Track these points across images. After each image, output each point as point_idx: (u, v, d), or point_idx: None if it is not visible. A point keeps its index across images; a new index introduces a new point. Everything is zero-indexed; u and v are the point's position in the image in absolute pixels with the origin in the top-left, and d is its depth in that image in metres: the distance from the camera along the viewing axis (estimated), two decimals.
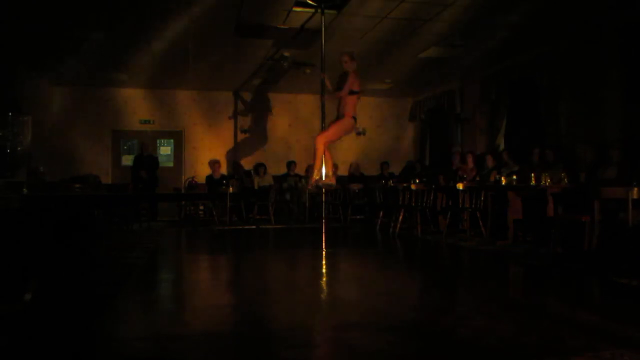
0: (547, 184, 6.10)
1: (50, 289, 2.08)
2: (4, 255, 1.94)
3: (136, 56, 9.00)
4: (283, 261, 6.04)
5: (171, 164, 12.01)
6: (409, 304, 3.74)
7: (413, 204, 8.01)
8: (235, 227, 9.54)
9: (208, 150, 11.85)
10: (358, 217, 10.33)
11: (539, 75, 8.42)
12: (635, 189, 4.72)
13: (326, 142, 6.26)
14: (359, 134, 12.60)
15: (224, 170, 11.59)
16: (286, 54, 8.93)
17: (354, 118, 6.19)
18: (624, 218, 4.88)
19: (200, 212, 10.79)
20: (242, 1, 6.59)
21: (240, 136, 12.11)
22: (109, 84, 11.10)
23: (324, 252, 6.11)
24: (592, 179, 6.27)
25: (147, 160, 10.72)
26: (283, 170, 11.65)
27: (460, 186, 7.45)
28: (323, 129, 6.45)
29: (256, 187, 10.89)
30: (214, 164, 10.99)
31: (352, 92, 6.09)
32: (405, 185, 8.32)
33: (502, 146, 9.42)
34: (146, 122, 11.71)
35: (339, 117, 6.24)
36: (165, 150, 12.17)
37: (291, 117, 12.34)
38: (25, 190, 2.05)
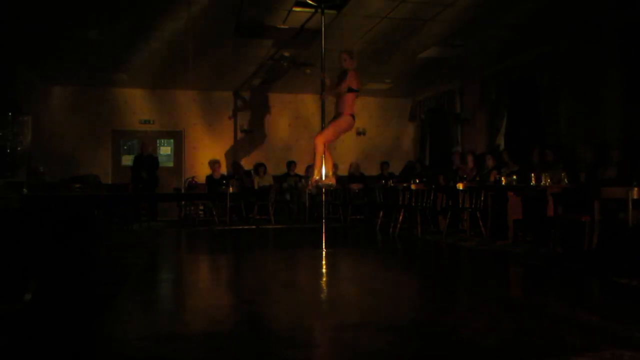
0: (547, 184, 6.10)
1: (50, 289, 2.07)
2: (4, 255, 1.94)
3: (136, 56, 9.00)
4: (283, 261, 6.04)
5: (171, 164, 12.01)
6: (409, 304, 3.74)
7: (413, 204, 8.01)
8: (235, 227, 9.55)
9: (208, 150, 11.85)
10: (358, 217, 10.33)
11: (539, 75, 8.42)
12: (635, 189, 4.72)
13: (326, 141, 6.26)
14: (359, 134, 12.63)
15: (224, 170, 11.60)
16: (286, 54, 8.94)
17: (353, 116, 6.17)
18: (624, 218, 4.88)
19: (200, 212, 10.80)
20: (242, 1, 6.59)
21: (240, 136, 12.12)
22: (109, 84, 11.10)
23: (324, 252, 6.11)
24: (592, 179, 6.27)
25: (147, 160, 10.72)
26: (283, 170, 11.66)
27: (460, 186, 7.45)
28: (323, 128, 6.45)
29: (256, 187, 10.89)
30: (214, 164, 10.99)
31: (351, 90, 6.08)
32: (405, 185, 8.32)
33: (502, 146, 9.42)
34: (146, 122, 11.71)
35: (337, 115, 6.23)
36: (165, 150, 12.17)
37: (291, 117, 12.34)
38: (25, 190, 2.05)
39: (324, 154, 6.25)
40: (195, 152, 11.93)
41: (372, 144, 12.67)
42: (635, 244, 4.69)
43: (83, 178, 9.18)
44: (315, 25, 7.16)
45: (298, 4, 6.65)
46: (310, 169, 8.08)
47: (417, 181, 8.37)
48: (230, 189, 9.77)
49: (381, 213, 8.75)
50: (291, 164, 11.60)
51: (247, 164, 11.94)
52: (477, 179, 8.24)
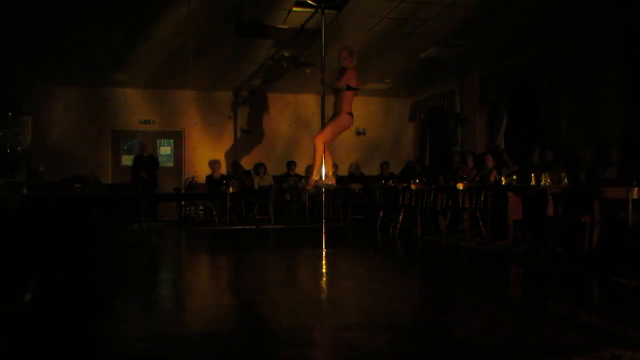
0: (547, 184, 6.10)
1: (50, 289, 2.07)
2: (4, 255, 1.94)
3: (136, 56, 9.00)
4: (283, 261, 6.04)
5: (171, 164, 12.01)
6: (409, 304, 3.74)
7: (413, 204, 8.01)
8: (235, 227, 9.55)
9: (208, 150, 11.84)
10: (358, 217, 10.33)
11: (539, 75, 8.42)
12: (635, 189, 4.73)
13: (325, 141, 6.24)
14: (359, 133, 12.63)
15: (224, 170, 11.60)
16: (286, 53, 8.94)
17: (351, 114, 6.13)
18: (624, 218, 4.88)
19: (200, 212, 10.79)
20: (242, 1, 6.59)
21: (240, 136, 12.12)
22: (109, 84, 11.10)
23: (324, 252, 6.11)
24: (592, 179, 6.27)
25: (147, 160, 10.72)
26: (283, 170, 11.66)
27: (460, 186, 7.45)
28: (322, 128, 6.44)
29: (256, 187, 10.89)
30: (214, 164, 10.99)
31: (349, 88, 6.03)
32: (405, 185, 8.32)
33: (502, 146, 9.42)
34: (146, 122, 11.72)
35: (335, 114, 6.20)
36: (165, 150, 12.16)
37: (291, 117, 12.34)
38: (25, 190, 2.05)
39: (324, 154, 6.24)
40: (195, 152, 11.93)
41: (372, 144, 12.67)
42: (635, 244, 4.69)
43: (83, 178, 9.18)
44: (315, 25, 7.17)
45: (298, 4, 6.65)
46: (310, 169, 8.08)
47: (417, 181, 8.36)
48: (230, 189, 9.76)
49: (381, 213, 8.75)
50: (291, 164, 11.60)
51: (247, 164, 11.94)
52: (477, 179, 8.23)
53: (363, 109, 12.28)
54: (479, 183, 7.60)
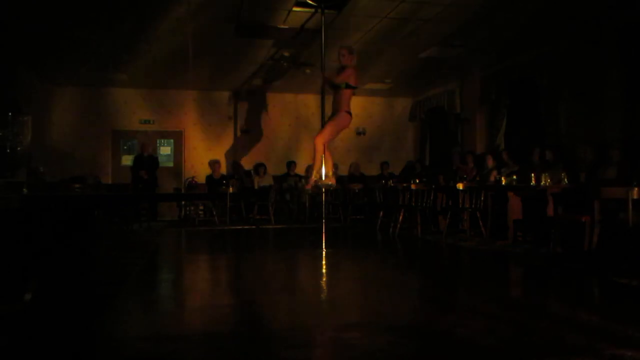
0: (547, 184, 6.10)
1: (50, 289, 2.07)
2: (4, 255, 1.94)
3: (136, 56, 9.00)
4: (283, 261, 6.04)
5: (171, 164, 12.01)
6: (409, 304, 3.74)
7: (413, 204, 8.01)
8: (235, 227, 9.55)
9: (208, 150, 11.85)
10: (358, 217, 10.33)
11: (539, 75, 8.42)
12: (635, 189, 4.72)
13: (325, 141, 6.23)
14: (359, 133, 12.63)
15: (224, 170, 11.60)
16: (286, 53, 8.94)
17: (350, 113, 6.11)
18: (624, 218, 4.88)
19: (200, 212, 10.80)
20: (242, 1, 6.59)
21: (240, 136, 12.12)
22: (109, 84, 11.10)
23: (324, 252, 6.11)
24: (592, 179, 6.27)
25: (147, 160, 10.72)
26: (283, 170, 11.66)
27: (460, 186, 7.45)
28: (322, 128, 6.43)
29: (256, 187, 10.89)
30: (214, 164, 10.99)
31: (348, 86, 6.00)
32: (405, 185, 8.32)
33: (502, 146, 9.42)
34: (146, 122, 11.72)
35: (334, 113, 6.18)
36: (165, 150, 12.16)
37: (291, 117, 12.34)
38: (25, 190, 2.05)
39: (324, 154, 6.24)
40: (195, 152, 11.93)
41: (372, 144, 12.67)
42: (635, 244, 4.69)
43: (83, 178, 9.18)
44: (315, 25, 7.17)
45: (298, 4, 6.65)
46: (310, 169, 8.07)
47: (417, 181, 8.37)
48: (230, 189, 9.77)
49: (381, 213, 8.75)
50: (291, 164, 11.60)
51: (247, 164, 11.94)
52: (477, 179, 8.23)
53: (363, 109, 12.30)
54: (479, 183, 7.60)
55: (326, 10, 6.61)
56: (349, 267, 5.63)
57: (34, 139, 2.24)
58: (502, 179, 6.90)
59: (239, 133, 12.12)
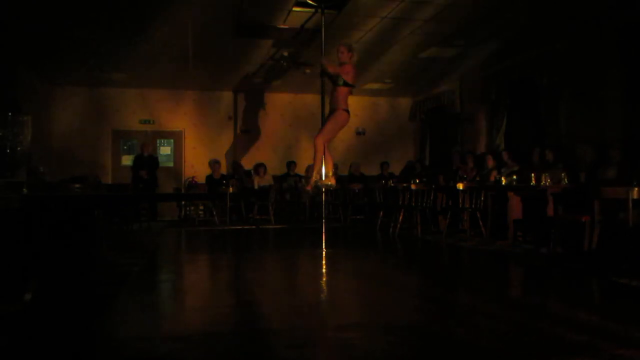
0: (547, 184, 6.10)
1: (50, 289, 2.07)
2: (4, 255, 1.94)
3: (136, 56, 9.00)
4: (283, 261, 6.04)
5: (171, 164, 12.01)
6: (409, 304, 3.74)
7: (413, 204, 8.01)
8: (235, 227, 9.55)
9: (208, 150, 11.85)
10: (358, 217, 10.32)
11: (539, 75, 8.42)
12: (635, 189, 4.72)
13: (325, 140, 6.20)
14: (359, 133, 12.63)
15: (224, 170, 11.60)
16: (285, 53, 8.94)
17: (347, 111, 6.05)
18: (624, 218, 4.88)
19: (200, 212, 10.80)
20: (242, 1, 6.59)
21: (240, 136, 12.12)
22: (109, 84, 11.10)
23: (324, 252, 6.11)
24: (592, 179, 6.27)
25: (147, 160, 10.72)
26: (283, 170, 11.66)
27: (460, 186, 7.45)
28: (321, 128, 6.42)
29: (256, 187, 10.89)
30: (214, 164, 11.00)
31: (345, 84, 5.95)
32: (405, 185, 8.32)
33: (502, 146, 9.42)
34: (146, 122, 11.72)
35: (331, 111, 6.14)
36: (165, 150, 12.17)
37: (291, 117, 12.34)
38: (25, 190, 2.05)
39: (324, 154, 6.23)
40: (195, 152, 11.93)
41: (372, 144, 12.67)
42: (635, 244, 4.69)
43: (83, 178, 9.17)
44: (315, 25, 7.17)
45: (298, 4, 6.65)
46: (310, 169, 8.07)
47: (417, 181, 8.37)
48: (230, 189, 9.77)
49: (381, 213, 8.75)
50: (291, 164, 11.60)
51: (247, 163, 11.94)
52: (477, 179, 8.23)
53: (363, 109, 12.31)
54: (479, 183, 7.60)
55: (326, 10, 6.61)
56: (348, 267, 5.63)
57: (34, 139, 2.24)
58: (502, 179, 6.89)
59: (239, 133, 12.12)
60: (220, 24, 7.42)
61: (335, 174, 6.94)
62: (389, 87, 11.56)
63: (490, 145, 9.77)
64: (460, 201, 7.52)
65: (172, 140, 12.09)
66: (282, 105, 12.30)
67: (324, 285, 4.42)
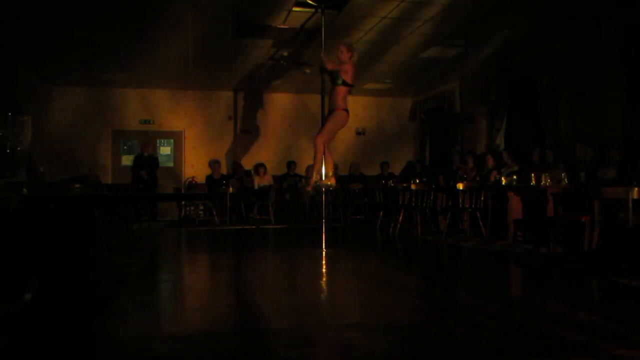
0: (547, 184, 6.10)
1: (50, 289, 2.08)
2: (4, 255, 1.94)
3: (136, 56, 9.01)
4: (283, 261, 6.04)
5: (171, 164, 12.01)
6: (409, 304, 3.73)
7: (413, 204, 8.01)
8: (235, 227, 9.54)
9: (208, 150, 11.85)
10: (358, 217, 10.32)
11: (539, 75, 8.42)
12: (635, 189, 4.72)
13: (325, 140, 6.20)
14: (359, 133, 12.63)
15: (224, 170, 11.60)
16: (285, 53, 8.94)
17: (347, 110, 6.03)
18: (624, 218, 4.88)
19: (200, 212, 10.80)
20: (242, 1, 6.59)
21: (240, 136, 12.12)
22: (109, 84, 11.10)
23: (324, 252, 6.11)
24: (592, 179, 6.26)
25: (147, 160, 10.72)
26: (283, 170, 11.66)
27: (460, 186, 7.45)
28: (321, 128, 6.42)
29: (256, 187, 10.89)
30: (214, 164, 11.00)
31: (344, 83, 5.92)
32: (405, 185, 8.32)
33: (502, 146, 9.42)
34: (146, 122, 11.72)
35: (330, 111, 6.12)
36: (165, 150, 12.17)
37: (291, 117, 12.34)
38: (25, 190, 2.05)
39: (324, 154, 6.22)
40: (195, 152, 11.93)
41: (372, 144, 12.67)
42: (635, 244, 4.69)
43: (83, 178, 9.17)
44: (315, 25, 7.17)
45: (298, 4, 6.65)
46: (310, 168, 8.07)
47: (417, 181, 8.36)
48: (230, 189, 9.77)
49: (381, 213, 8.75)
50: (291, 164, 11.60)
51: (247, 164, 11.94)
52: (477, 179, 8.23)
53: (363, 109, 12.31)
54: (479, 183, 7.60)
55: (326, 10, 6.61)
56: (348, 267, 5.63)
57: (34, 139, 2.24)
58: (502, 179, 6.89)
59: (239, 133, 12.12)
60: (220, 24, 7.42)
61: (335, 174, 6.93)
62: (389, 87, 11.56)
63: (490, 145, 9.77)
64: (460, 201, 7.52)
65: (172, 140, 12.09)
66: (282, 105, 12.30)
67: (324, 285, 4.42)
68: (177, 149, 12.03)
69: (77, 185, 7.28)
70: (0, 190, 1.96)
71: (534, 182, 6.28)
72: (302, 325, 3.06)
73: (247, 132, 12.12)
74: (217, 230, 9.18)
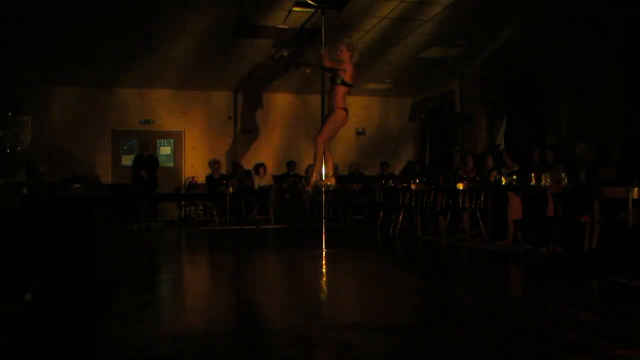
0: (547, 184, 6.10)
1: (50, 289, 2.08)
2: (4, 255, 1.94)
3: (136, 56, 9.00)
4: (283, 261, 6.04)
5: (171, 164, 12.01)
6: (409, 304, 3.73)
7: (413, 204, 8.01)
8: (235, 227, 9.54)
9: (208, 150, 11.85)
10: (358, 217, 10.32)
11: (539, 75, 8.42)
12: (635, 189, 4.72)
13: (325, 140, 6.19)
14: (359, 133, 12.63)
15: (224, 170, 11.60)
16: (285, 53, 8.94)
17: (345, 110, 6.01)
18: (624, 218, 4.87)
19: (200, 212, 10.79)
20: (242, 1, 6.59)
21: (240, 136, 12.12)
22: (109, 84, 11.11)
23: (324, 252, 6.11)
24: (592, 179, 6.26)
25: (147, 160, 10.72)
26: (283, 170, 11.66)
27: (460, 186, 7.45)
28: (321, 128, 6.41)
29: (256, 187, 10.89)
30: (214, 164, 11.00)
31: (343, 83, 5.90)
32: (405, 185, 8.32)
33: (502, 146, 9.42)
34: (146, 122, 11.72)
35: (329, 111, 6.12)
36: (165, 150, 12.17)
37: (291, 117, 12.34)
38: (25, 190, 2.05)
39: (324, 154, 6.22)
40: (195, 152, 11.93)
41: (372, 144, 12.67)
42: (635, 244, 4.69)
43: (83, 178, 9.16)
44: (315, 25, 7.17)
45: (298, 4, 6.66)
46: (310, 168, 8.06)
47: (417, 181, 8.36)
48: (230, 189, 9.77)
49: (381, 213, 8.75)
50: (291, 164, 11.60)
51: (247, 164, 11.94)
52: (477, 179, 8.23)
53: (363, 109, 12.31)
54: (479, 183, 7.60)
55: (326, 10, 6.61)
56: (348, 267, 5.63)
57: (34, 139, 2.24)
58: (502, 179, 6.89)
59: (238, 133, 12.12)
60: (220, 24, 7.42)
61: (335, 174, 6.92)
62: (389, 87, 11.56)
63: (490, 145, 9.77)
64: (460, 201, 7.51)
65: (172, 140, 12.09)
66: (282, 105, 12.30)
67: (324, 285, 4.42)
68: (177, 149, 12.03)
69: (77, 185, 7.27)
70: (0, 190, 1.96)
71: (534, 182, 6.27)
72: (302, 325, 3.06)
73: (247, 132, 12.12)
74: (217, 230, 9.18)
